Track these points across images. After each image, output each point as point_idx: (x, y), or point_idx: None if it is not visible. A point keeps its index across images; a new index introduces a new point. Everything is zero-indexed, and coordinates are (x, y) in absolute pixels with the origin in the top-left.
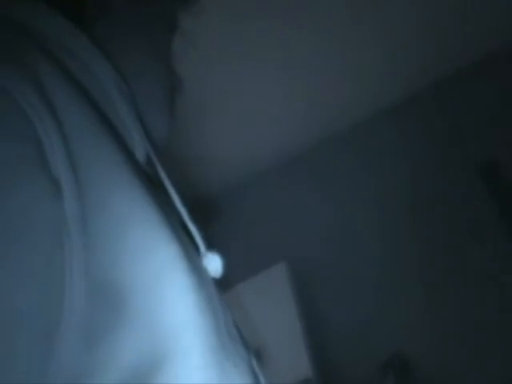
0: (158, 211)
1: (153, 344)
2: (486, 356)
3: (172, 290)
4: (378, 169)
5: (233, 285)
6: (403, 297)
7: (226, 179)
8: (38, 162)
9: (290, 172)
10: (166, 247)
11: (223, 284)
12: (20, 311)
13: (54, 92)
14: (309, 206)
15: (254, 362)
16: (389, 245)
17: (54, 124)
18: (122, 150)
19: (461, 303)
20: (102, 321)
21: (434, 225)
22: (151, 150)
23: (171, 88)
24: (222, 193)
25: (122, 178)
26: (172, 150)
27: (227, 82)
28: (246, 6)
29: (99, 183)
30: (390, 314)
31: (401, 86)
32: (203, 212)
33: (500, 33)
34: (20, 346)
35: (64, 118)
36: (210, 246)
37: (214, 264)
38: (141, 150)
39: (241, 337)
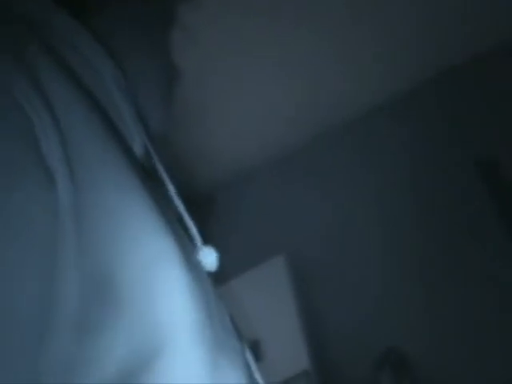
0: (152, 204)
1: (145, 337)
2: (486, 354)
3: (165, 282)
4: (378, 165)
5: (231, 278)
6: (402, 292)
7: (224, 174)
8: (34, 159)
9: (288, 167)
10: (159, 240)
11: (221, 277)
12: (12, 306)
13: (52, 87)
14: (307, 201)
15: (248, 356)
16: (388, 241)
17: (51, 119)
18: (118, 143)
19: (460, 302)
20: (94, 315)
21: (434, 222)
22: (149, 144)
23: (170, 80)
24: (221, 188)
25: (117, 171)
26: (170, 145)
27: (225, 78)
28: (245, 3)
29: (94, 176)
30: (388, 310)
31: (399, 83)
32: (201, 207)
33: (499, 31)
34: (12, 340)
35: (61, 114)
36: (206, 240)
37: (209, 258)
38: (139, 143)
39: (235, 330)
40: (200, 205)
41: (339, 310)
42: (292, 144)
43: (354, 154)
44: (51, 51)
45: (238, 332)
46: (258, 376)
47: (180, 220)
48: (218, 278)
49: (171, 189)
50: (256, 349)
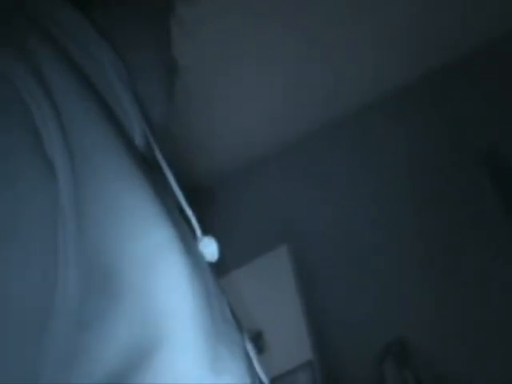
0: (153, 194)
1: (146, 328)
2: (487, 346)
3: (166, 273)
4: (377, 160)
5: (234, 268)
6: (405, 284)
7: (225, 165)
8: (34, 148)
9: (289, 159)
10: (160, 230)
11: (224, 268)
12: (12, 297)
13: (53, 77)
14: (308, 194)
15: (249, 348)
16: (390, 234)
17: (50, 109)
18: (119, 135)
19: (462, 296)
20: (95, 305)
21: (436, 215)
22: (150, 135)
23: (171, 73)
24: (221, 180)
25: (118, 162)
26: (171, 137)
27: (224, 70)
28: (245, 2)
29: (95, 167)
30: (391, 301)
31: (399, 75)
32: (202, 199)
33: (501, 20)
34: (12, 331)
35: (61, 104)
36: (206, 231)
37: (209, 248)
38: (139, 134)
39: (236, 321)
40: (200, 197)
41: (342, 302)
42: (293, 137)
43: (355, 148)
44: (52, 42)
45: (238, 323)
46: (258, 368)
47: (180, 211)
48: (220, 269)
49: (172, 180)
50: (259, 340)
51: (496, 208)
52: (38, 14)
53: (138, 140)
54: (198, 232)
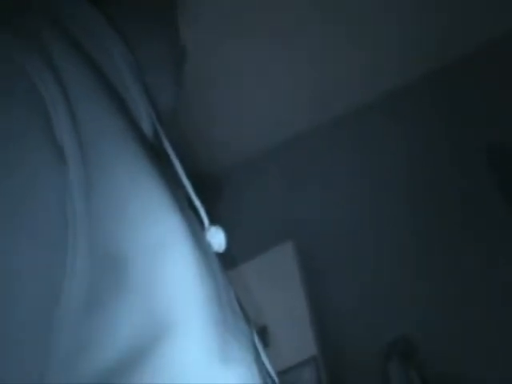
0: (161, 183)
1: (154, 316)
2: (493, 343)
3: (174, 260)
4: (384, 154)
5: (240, 263)
6: (411, 279)
7: (232, 157)
8: (45, 133)
9: (296, 153)
10: (168, 218)
11: (229, 262)
12: (22, 280)
13: (64, 67)
14: (315, 185)
15: (256, 339)
16: (393, 229)
17: (61, 96)
18: (128, 123)
19: (467, 292)
20: (103, 290)
21: (436, 214)
22: (158, 124)
23: (178, 58)
24: (228, 174)
25: (126, 150)
26: (178, 127)
27: (235, 59)
28: None
29: (104, 154)
30: (396, 297)
31: (399, 74)
32: (209, 189)
33: (501, 20)
34: (21, 315)
35: (72, 93)
36: (215, 222)
37: (217, 238)
38: (148, 123)
39: (243, 313)
40: (207, 189)
41: (346, 291)
42: (299, 130)
43: (362, 142)
44: (64, 33)
45: (245, 315)
46: (265, 360)
47: (188, 200)
48: (226, 263)
49: (179, 169)
50: (263, 335)
51: (497, 207)
52: (50, 5)
53: (147, 129)
54: (206, 222)
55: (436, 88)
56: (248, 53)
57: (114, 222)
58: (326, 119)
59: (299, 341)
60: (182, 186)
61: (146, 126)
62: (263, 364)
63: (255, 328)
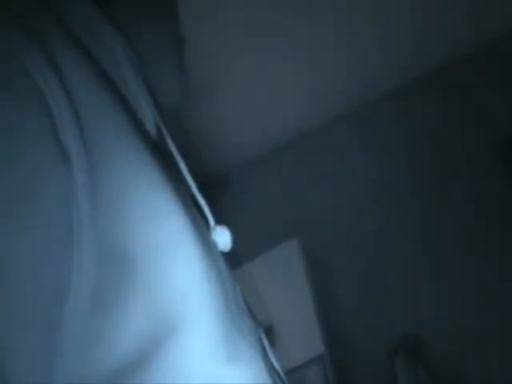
0: (166, 181)
1: (160, 314)
2: (501, 340)
3: (180, 258)
4: (390, 150)
5: (245, 261)
6: (417, 276)
7: (237, 155)
8: (48, 131)
9: (301, 148)
10: (174, 217)
11: (235, 261)
12: (28, 280)
13: (66, 64)
14: (320, 183)
15: (263, 337)
16: (399, 226)
17: (64, 93)
18: (131, 121)
19: (475, 288)
20: (110, 289)
21: (443, 208)
22: (161, 122)
23: (180, 47)
24: (234, 169)
25: (131, 148)
26: (183, 125)
27: (239, 58)
28: None
29: (108, 152)
30: (403, 295)
31: (399, 74)
32: (213, 188)
33: (501, 20)
34: (29, 315)
35: (75, 90)
36: (219, 220)
37: (223, 237)
38: (151, 121)
39: (250, 312)
40: (211, 188)
41: (353, 296)
42: (305, 127)
43: (368, 138)
44: (66, 31)
45: (252, 313)
46: (273, 358)
47: (193, 199)
48: (231, 262)
49: (184, 168)
50: (269, 333)
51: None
52: (51, 3)
53: (150, 127)
54: (211, 221)
55: (436, 88)
56: (250, 53)
57: (119, 220)
58: (326, 119)
59: (306, 339)
60: (187, 185)
61: (149, 124)
62: (271, 362)
63: (262, 327)
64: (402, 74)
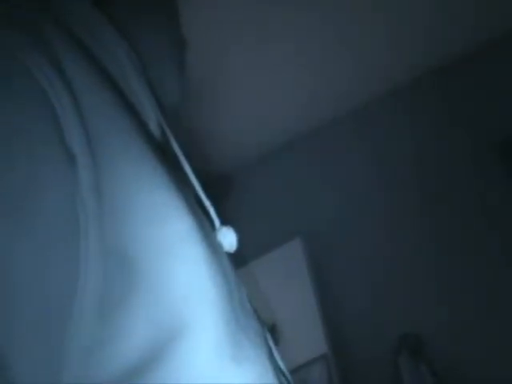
0: (170, 182)
1: (166, 314)
2: (502, 338)
3: (186, 260)
4: (390, 149)
5: (248, 261)
6: (420, 276)
7: (240, 155)
8: (53, 131)
9: (301, 148)
10: (179, 218)
11: (238, 260)
12: (31, 280)
13: (69, 66)
14: (323, 182)
15: (269, 337)
16: (405, 225)
17: (68, 93)
18: (135, 121)
19: (477, 287)
20: (116, 292)
21: (444, 208)
22: (164, 123)
23: (181, 48)
24: (237, 168)
25: (135, 149)
26: (186, 125)
27: (239, 58)
28: None
29: (112, 153)
30: (406, 294)
31: (399, 74)
32: (217, 188)
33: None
34: (32, 318)
35: (78, 91)
36: (224, 221)
37: (228, 238)
38: (154, 122)
39: (255, 312)
40: (215, 188)
41: (355, 288)
42: (307, 126)
43: (368, 138)
44: (68, 32)
45: (257, 314)
46: (278, 358)
47: (198, 200)
48: (235, 261)
49: (188, 169)
50: (273, 333)
51: (500, 206)
52: (51, 3)
53: (154, 128)
54: (217, 222)
55: (436, 88)
56: (250, 53)
57: (123, 222)
58: (326, 119)
59: (309, 338)
60: (191, 186)
61: (153, 124)
62: (276, 362)
63: (267, 327)
64: (402, 74)
